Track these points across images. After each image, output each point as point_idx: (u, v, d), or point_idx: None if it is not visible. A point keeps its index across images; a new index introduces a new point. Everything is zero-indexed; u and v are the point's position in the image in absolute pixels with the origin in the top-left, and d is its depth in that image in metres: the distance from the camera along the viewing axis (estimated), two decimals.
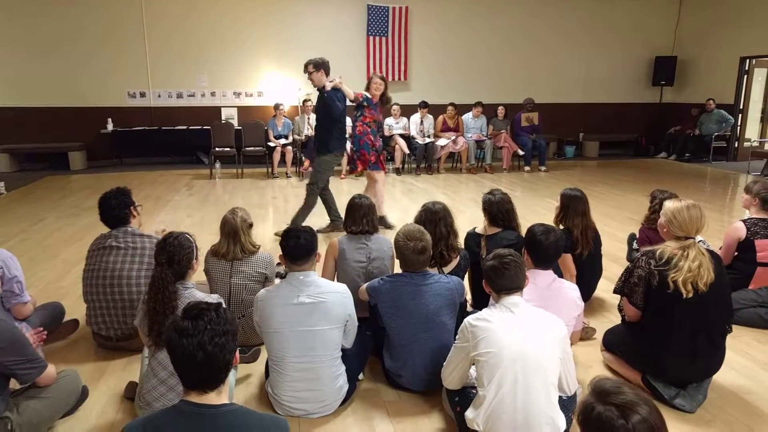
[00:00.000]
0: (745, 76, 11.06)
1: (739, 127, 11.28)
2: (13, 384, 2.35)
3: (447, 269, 3.18)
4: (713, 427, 2.59)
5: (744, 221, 3.79)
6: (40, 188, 8.36)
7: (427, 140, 9.82)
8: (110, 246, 3.22)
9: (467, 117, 10.21)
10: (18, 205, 7.15)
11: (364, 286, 2.99)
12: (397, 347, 2.80)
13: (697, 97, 11.50)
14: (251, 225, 3.39)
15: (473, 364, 2.29)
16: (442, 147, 9.82)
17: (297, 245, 2.62)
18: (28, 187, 8.45)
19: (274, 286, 2.75)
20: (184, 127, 10.22)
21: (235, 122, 10.24)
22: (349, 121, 6.04)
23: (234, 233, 3.27)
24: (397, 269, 3.00)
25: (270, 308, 2.60)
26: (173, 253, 2.55)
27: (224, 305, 1.73)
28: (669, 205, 2.79)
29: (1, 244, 4.90)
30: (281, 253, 2.70)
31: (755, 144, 10.67)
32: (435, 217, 3.21)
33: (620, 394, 1.32)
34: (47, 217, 6.46)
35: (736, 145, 11.33)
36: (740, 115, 11.23)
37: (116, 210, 3.27)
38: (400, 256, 2.83)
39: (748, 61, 10.95)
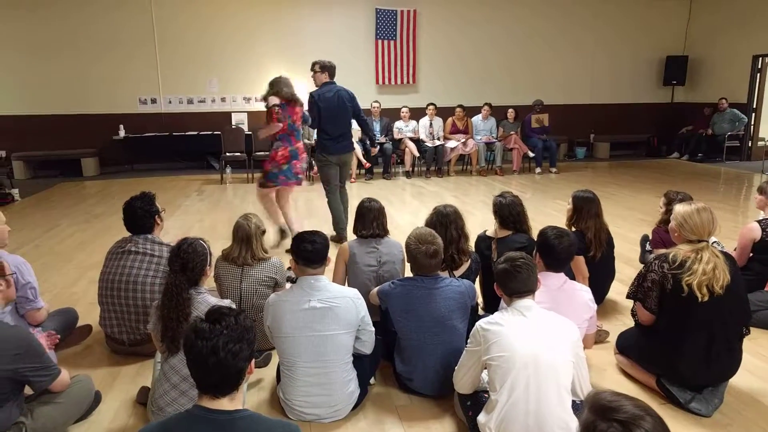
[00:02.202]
0: (758, 75, 10.93)
1: (752, 127, 11.15)
2: (27, 389, 2.37)
3: (458, 273, 3.17)
4: (730, 431, 2.56)
5: (759, 222, 3.74)
6: (54, 195, 8.44)
7: (437, 143, 9.80)
8: (129, 250, 3.24)
9: (476, 119, 10.19)
10: (32, 212, 7.22)
11: (375, 289, 2.99)
12: (408, 351, 2.79)
13: (710, 96, 11.39)
14: (264, 232, 3.41)
15: (485, 368, 2.28)
16: (452, 149, 9.80)
17: (314, 249, 2.61)
18: (42, 193, 8.53)
19: (285, 291, 2.75)
20: (195, 133, 10.28)
21: (245, 127, 10.28)
22: (355, 124, 5.93)
23: (247, 239, 3.28)
24: (408, 273, 3.00)
25: (281, 313, 2.60)
26: (187, 260, 2.57)
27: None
28: (679, 209, 2.76)
29: (15, 251, 4.94)
30: (292, 258, 2.69)
31: None
32: (446, 220, 3.21)
33: (621, 408, 1.28)
34: (60, 224, 6.51)
35: (750, 144, 11.20)
36: (754, 114, 11.10)
37: (141, 219, 3.28)
38: (411, 260, 2.82)
39: (761, 59, 10.83)
